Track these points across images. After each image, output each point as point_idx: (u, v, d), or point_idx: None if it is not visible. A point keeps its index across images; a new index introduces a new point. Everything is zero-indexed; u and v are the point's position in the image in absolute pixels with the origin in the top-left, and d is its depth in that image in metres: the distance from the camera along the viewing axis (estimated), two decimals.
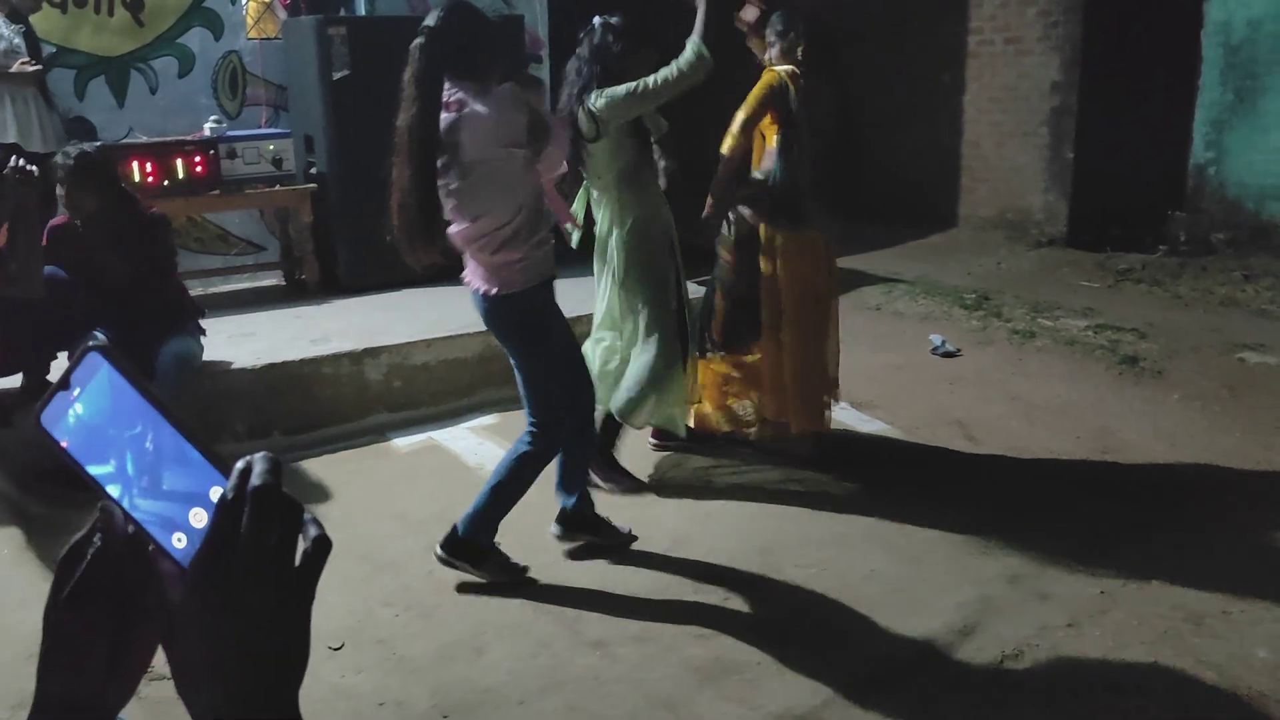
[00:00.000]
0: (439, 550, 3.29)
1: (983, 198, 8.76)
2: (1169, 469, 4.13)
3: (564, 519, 3.51)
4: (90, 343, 0.60)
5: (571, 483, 3.48)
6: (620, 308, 3.90)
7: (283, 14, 6.48)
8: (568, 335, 3.32)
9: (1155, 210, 8.22)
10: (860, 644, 3.01)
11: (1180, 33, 8.20)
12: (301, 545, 0.59)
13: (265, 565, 0.57)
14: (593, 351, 3.99)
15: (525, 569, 3.34)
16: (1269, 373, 5.13)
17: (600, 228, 3.87)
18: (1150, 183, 8.25)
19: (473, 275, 3.15)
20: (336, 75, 5.70)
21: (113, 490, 0.59)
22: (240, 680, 0.57)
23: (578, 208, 3.96)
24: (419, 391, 4.87)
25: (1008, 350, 5.66)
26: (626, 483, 3.98)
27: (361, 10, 6.51)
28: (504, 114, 2.98)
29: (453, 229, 3.06)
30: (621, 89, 3.56)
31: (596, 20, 3.68)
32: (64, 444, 0.59)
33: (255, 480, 0.57)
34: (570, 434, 3.36)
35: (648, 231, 3.80)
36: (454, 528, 3.28)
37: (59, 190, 3.96)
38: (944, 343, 5.67)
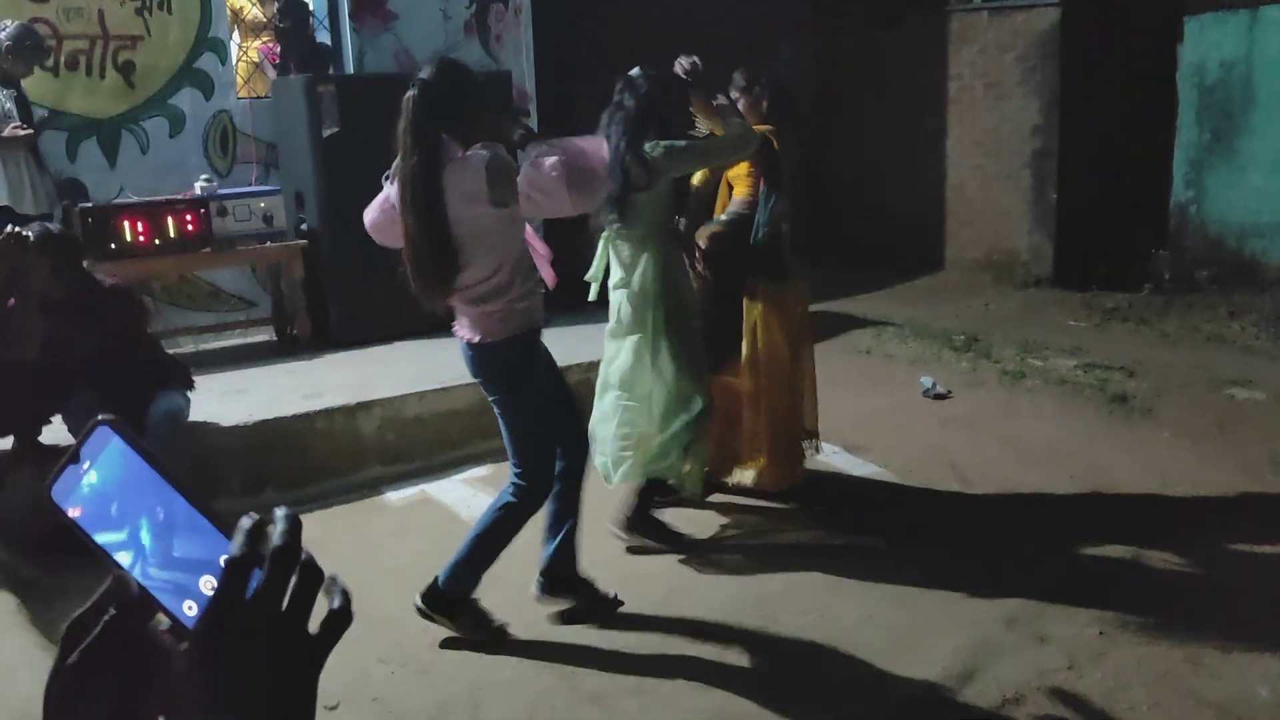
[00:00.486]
0: (418, 601, 3.27)
1: (969, 240, 8.85)
2: (1162, 507, 4.13)
3: (544, 577, 3.44)
4: (99, 417, 0.61)
5: (556, 529, 3.42)
6: (654, 361, 3.72)
7: (272, 73, 6.57)
8: (558, 384, 3.33)
9: (1139, 249, 8.31)
10: (859, 691, 2.99)
11: (1156, 75, 8.35)
12: (324, 605, 0.59)
13: (276, 627, 0.57)
14: (616, 412, 3.81)
15: (504, 627, 3.30)
16: (1257, 408, 5.16)
17: (630, 280, 3.71)
18: (1133, 222, 8.35)
19: (460, 325, 3.18)
20: (326, 133, 5.76)
21: (123, 558, 0.60)
22: None
23: (598, 261, 3.84)
24: (412, 444, 4.87)
25: (998, 391, 5.68)
26: (677, 541, 3.91)
27: (350, 68, 6.59)
28: (476, 175, 2.95)
29: None
30: (682, 142, 3.59)
31: (637, 72, 3.64)
32: (73, 515, 0.60)
33: (276, 540, 0.58)
34: (560, 480, 3.35)
35: (684, 284, 3.80)
36: (435, 579, 3.26)
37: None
38: (935, 384, 5.70)
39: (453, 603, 3.25)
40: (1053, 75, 8.04)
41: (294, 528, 0.58)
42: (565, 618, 3.41)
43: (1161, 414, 5.14)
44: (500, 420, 3.23)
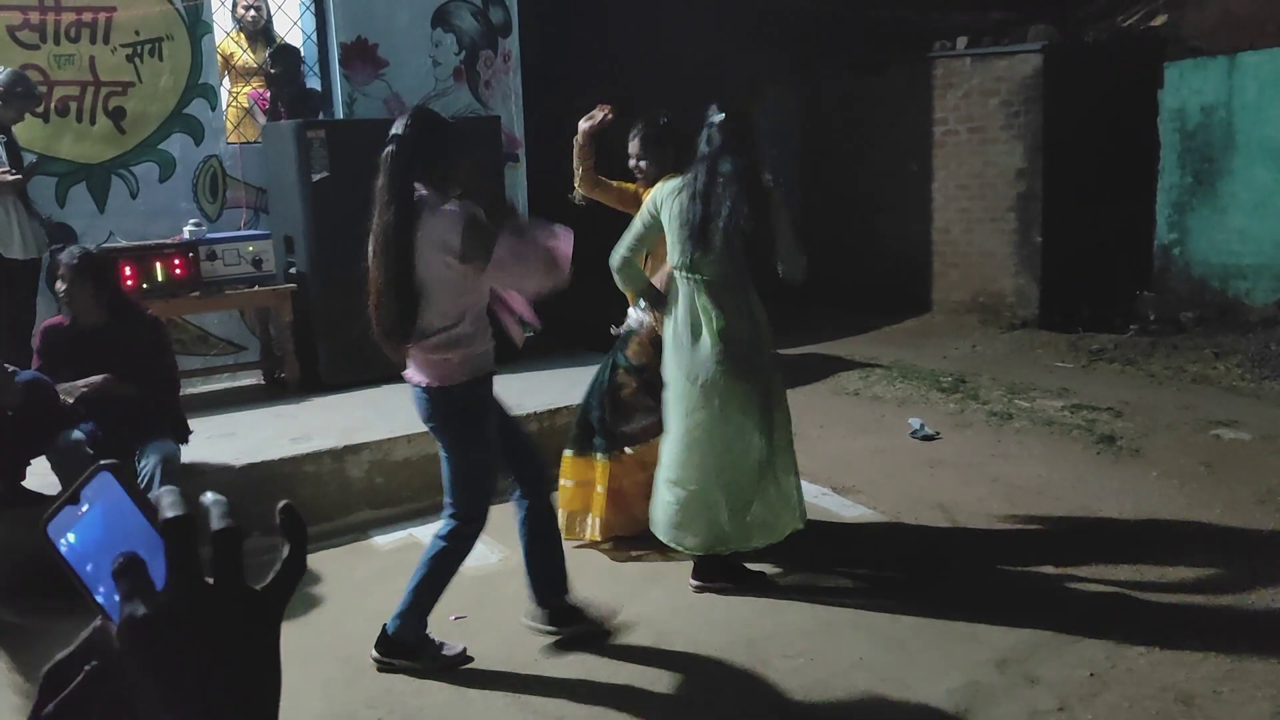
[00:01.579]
0: (374, 653, 3.31)
1: (955, 282, 8.91)
2: (1151, 546, 4.13)
3: (544, 610, 3.49)
4: (102, 463, 0.62)
5: (539, 564, 3.46)
6: (754, 413, 3.68)
7: (262, 118, 6.61)
8: (509, 427, 3.41)
9: (1124, 291, 8.39)
10: None
11: (1138, 119, 8.48)
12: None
13: (236, 602, 0.59)
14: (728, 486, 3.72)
15: (463, 651, 3.37)
16: (1244, 448, 5.18)
17: (738, 324, 3.66)
18: (1118, 264, 8.44)
19: (413, 372, 3.24)
20: (316, 177, 5.78)
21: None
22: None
23: (709, 311, 3.67)
24: (400, 487, 4.84)
25: (986, 432, 5.69)
26: (758, 579, 3.92)
27: (340, 114, 6.64)
28: (450, 228, 3.04)
29: None
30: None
31: (721, 117, 3.58)
32: (64, 555, 0.60)
33: (216, 524, 0.59)
34: (529, 517, 3.42)
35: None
36: (384, 628, 3.31)
37: (60, 288, 4.01)
38: (923, 426, 5.71)
39: (407, 646, 3.31)
40: (1036, 119, 8.15)
41: (229, 509, 0.61)
42: (557, 647, 3.44)
43: (1149, 454, 5.16)
44: (447, 462, 3.30)
